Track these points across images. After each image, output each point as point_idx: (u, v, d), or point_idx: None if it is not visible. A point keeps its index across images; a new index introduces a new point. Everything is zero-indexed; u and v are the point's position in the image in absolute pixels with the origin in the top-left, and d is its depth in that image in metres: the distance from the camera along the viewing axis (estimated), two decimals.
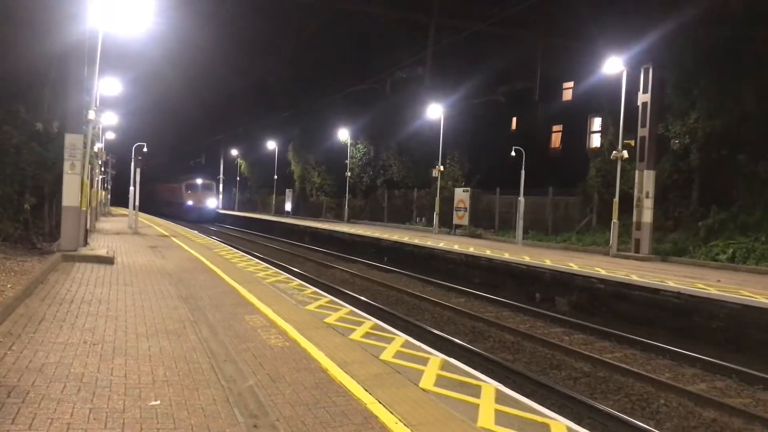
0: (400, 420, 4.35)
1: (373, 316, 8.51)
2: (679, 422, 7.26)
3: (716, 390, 8.40)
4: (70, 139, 12.68)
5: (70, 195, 12.74)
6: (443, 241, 23.46)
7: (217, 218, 51.19)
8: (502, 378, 7.51)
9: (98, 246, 15.45)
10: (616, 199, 19.48)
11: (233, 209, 62.25)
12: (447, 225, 30.09)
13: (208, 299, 8.90)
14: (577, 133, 32.93)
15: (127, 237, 20.37)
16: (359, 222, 39.41)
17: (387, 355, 6.14)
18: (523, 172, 24.68)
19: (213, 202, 53.31)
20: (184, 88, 53.55)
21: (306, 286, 10.86)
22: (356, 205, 42.60)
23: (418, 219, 35.62)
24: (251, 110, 59.97)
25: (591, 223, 24.69)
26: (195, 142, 77.49)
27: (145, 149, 26.96)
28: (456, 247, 20.12)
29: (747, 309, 10.40)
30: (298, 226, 34.87)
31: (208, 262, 13.85)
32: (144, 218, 33.40)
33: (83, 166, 13.03)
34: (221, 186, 66.09)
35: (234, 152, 67.58)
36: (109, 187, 45.91)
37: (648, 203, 19.13)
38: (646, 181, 19.16)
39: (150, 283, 10.26)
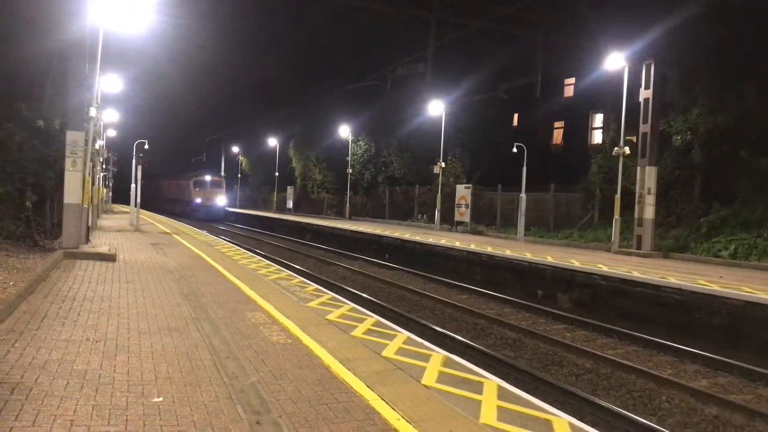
0: (402, 416, 4.36)
1: (374, 313, 8.52)
2: (681, 418, 7.26)
3: (718, 386, 8.40)
4: (72, 136, 12.67)
5: (72, 192, 12.73)
6: (445, 238, 23.46)
7: (227, 217, 48.69)
8: (504, 375, 7.51)
9: (100, 243, 15.47)
10: (618, 196, 19.46)
11: (235, 206, 62.19)
12: (448, 222, 30.08)
13: (210, 296, 8.91)
14: (578, 129, 32.91)
15: (128, 234, 20.38)
16: (361, 219, 39.43)
17: (389, 351, 6.15)
18: (524, 168, 24.68)
19: (222, 200, 50.14)
20: (185, 85, 53.42)
21: (308, 283, 10.86)
22: (357, 202, 42.62)
23: (419, 216, 35.62)
24: (252, 107, 60.11)
25: (593, 220, 24.68)
26: (196, 140, 77.61)
27: (146, 146, 26.99)
28: (457, 244, 20.12)
29: (749, 305, 10.40)
30: (300, 223, 34.88)
31: (209, 259, 13.85)
32: (145, 215, 33.41)
33: (85, 163, 13.03)
34: None
35: (235, 149, 67.64)
36: (111, 184, 45.83)
37: (650, 200, 19.10)
38: (647, 177, 19.13)
39: (152, 280, 10.27)
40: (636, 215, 19.38)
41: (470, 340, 10.53)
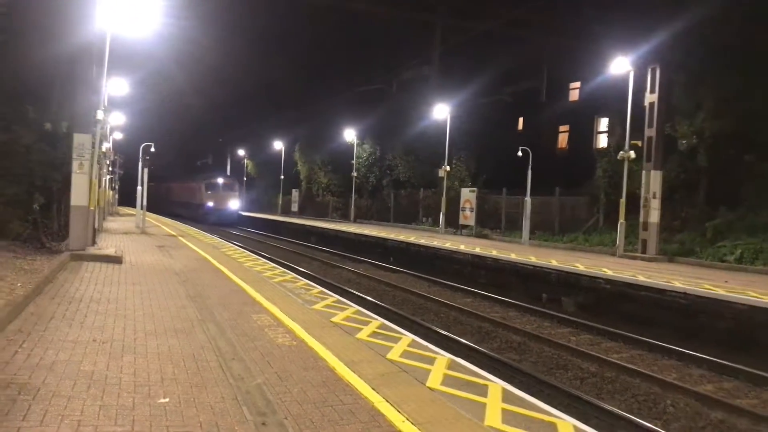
0: (407, 418, 4.38)
1: (379, 316, 8.54)
2: (686, 423, 7.25)
3: (723, 391, 8.38)
4: (79, 139, 12.76)
5: (79, 194, 12.82)
6: (449, 241, 23.45)
7: (240, 221, 46.15)
8: (508, 378, 7.51)
9: (106, 245, 15.53)
10: (623, 200, 19.44)
11: (241, 209, 62.08)
12: (453, 225, 30.06)
13: (216, 298, 8.95)
14: (583, 133, 32.85)
15: (134, 236, 20.46)
16: (365, 222, 39.44)
17: (394, 354, 6.17)
18: (529, 172, 24.65)
19: (235, 204, 47.72)
20: (191, 88, 53.58)
21: (313, 286, 10.89)
22: (362, 205, 42.64)
23: (424, 219, 35.61)
24: (258, 110, 60.22)
25: (598, 224, 24.64)
26: (202, 142, 77.85)
27: (152, 149, 27.09)
28: (462, 247, 20.12)
29: (754, 310, 10.37)
30: (304, 226, 34.93)
31: (215, 262, 13.90)
32: (151, 218, 33.53)
33: (92, 166, 13.11)
34: None
35: (241, 152, 67.76)
36: (117, 186, 45.91)
37: (655, 203, 19.06)
38: (653, 181, 19.10)
39: (158, 282, 10.32)
40: (641, 219, 19.34)
41: (475, 343, 10.53)
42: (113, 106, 23.79)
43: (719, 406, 7.63)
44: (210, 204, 46.32)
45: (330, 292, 10.33)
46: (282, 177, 52.28)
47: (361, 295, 14.62)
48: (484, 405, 4.77)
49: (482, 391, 5.13)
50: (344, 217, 43.23)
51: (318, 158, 49.62)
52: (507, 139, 33.59)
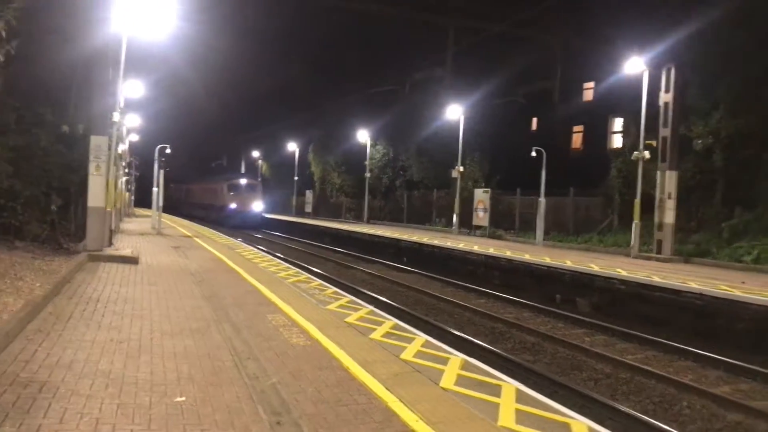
0: (421, 418, 4.39)
1: (393, 317, 8.56)
2: (702, 425, 7.21)
3: (740, 392, 8.31)
4: (96, 141, 12.91)
5: (96, 196, 12.97)
6: (463, 242, 23.42)
7: (263, 224, 43.36)
8: (522, 379, 7.50)
9: (123, 246, 15.68)
10: (638, 200, 19.30)
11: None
12: (467, 226, 30.01)
13: (231, 298, 9.01)
14: (598, 133, 32.67)
15: (150, 237, 20.64)
16: (379, 223, 39.48)
17: (407, 354, 6.18)
18: (543, 172, 24.56)
19: (259, 206, 44.72)
20: (205, 90, 53.98)
21: (326, 286, 10.94)
22: (376, 205, 42.69)
23: (437, 220, 35.59)
24: (272, 112, 60.43)
25: (612, 224, 24.49)
26: (216, 144, 78.30)
27: (168, 151, 27.30)
28: (476, 248, 20.09)
29: None
30: (318, 226, 35.04)
31: (230, 262, 13.99)
32: (167, 219, 33.77)
33: (108, 168, 13.26)
34: None
35: (255, 154, 68.09)
36: (133, 188, 46.22)
37: (670, 204, 18.92)
38: (668, 181, 18.96)
39: (174, 282, 10.42)
40: (656, 220, 19.20)
41: (489, 343, 10.52)
42: (129, 109, 24.01)
43: (736, 408, 7.57)
44: (233, 206, 43.84)
45: (344, 293, 10.37)
46: (296, 178, 52.47)
47: (374, 295, 14.64)
48: (497, 405, 4.77)
49: (496, 391, 5.14)
50: (358, 218, 43.29)
51: (331, 159, 49.77)
52: (521, 139, 33.45)
